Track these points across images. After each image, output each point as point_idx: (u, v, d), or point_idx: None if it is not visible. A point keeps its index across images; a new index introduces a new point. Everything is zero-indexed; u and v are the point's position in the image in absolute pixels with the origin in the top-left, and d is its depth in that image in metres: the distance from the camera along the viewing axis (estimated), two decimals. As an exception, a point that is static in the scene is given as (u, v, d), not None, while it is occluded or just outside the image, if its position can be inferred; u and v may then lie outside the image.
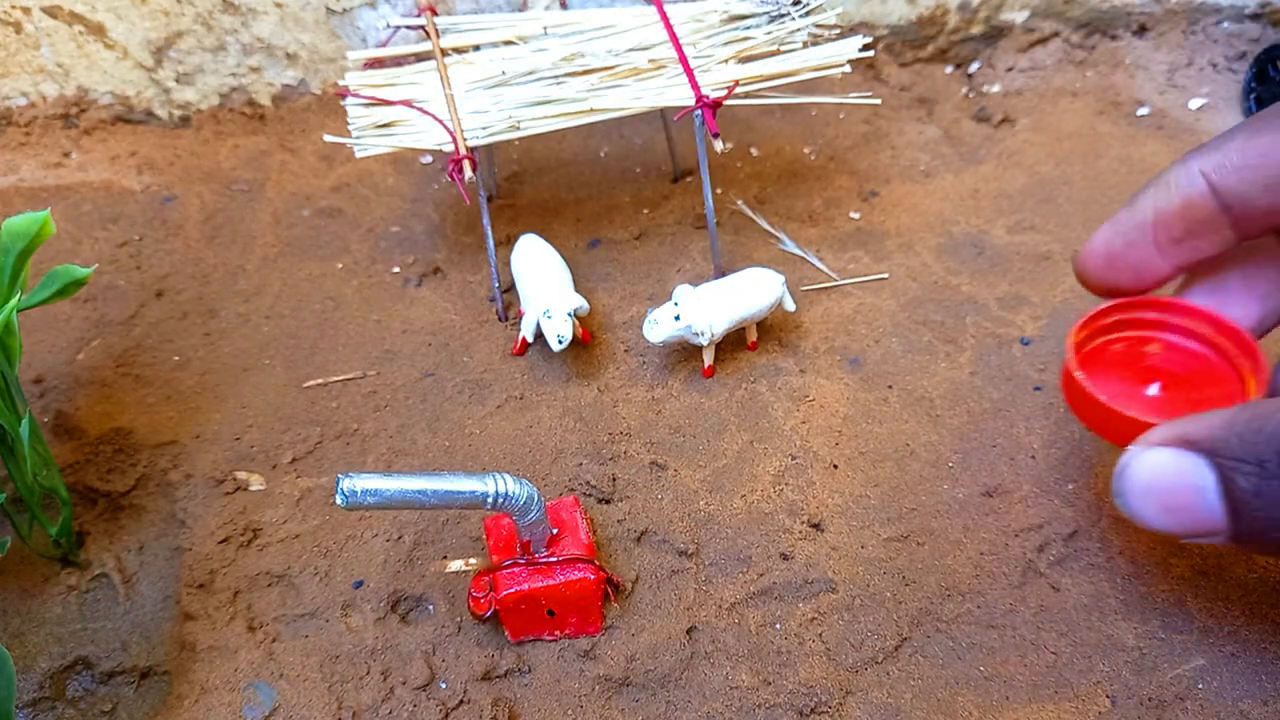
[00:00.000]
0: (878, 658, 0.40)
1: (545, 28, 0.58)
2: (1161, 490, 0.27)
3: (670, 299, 0.50)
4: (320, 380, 0.53)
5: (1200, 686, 0.38)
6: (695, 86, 0.53)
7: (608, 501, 0.46)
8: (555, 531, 0.40)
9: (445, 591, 0.42)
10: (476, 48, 0.59)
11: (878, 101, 0.58)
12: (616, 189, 0.67)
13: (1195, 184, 0.32)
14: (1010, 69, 0.79)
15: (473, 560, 0.40)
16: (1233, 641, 0.40)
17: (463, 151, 0.51)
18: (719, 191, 0.66)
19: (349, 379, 0.53)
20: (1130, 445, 0.29)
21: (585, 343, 0.54)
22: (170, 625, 0.42)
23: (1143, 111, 0.75)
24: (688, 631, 0.40)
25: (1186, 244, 0.34)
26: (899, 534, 0.44)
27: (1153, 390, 0.37)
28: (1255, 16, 0.81)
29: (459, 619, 0.41)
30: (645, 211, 0.65)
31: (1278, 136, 0.31)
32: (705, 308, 0.49)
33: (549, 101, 0.53)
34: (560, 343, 0.49)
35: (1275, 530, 0.24)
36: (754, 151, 0.71)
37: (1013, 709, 0.38)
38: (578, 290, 0.54)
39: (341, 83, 0.57)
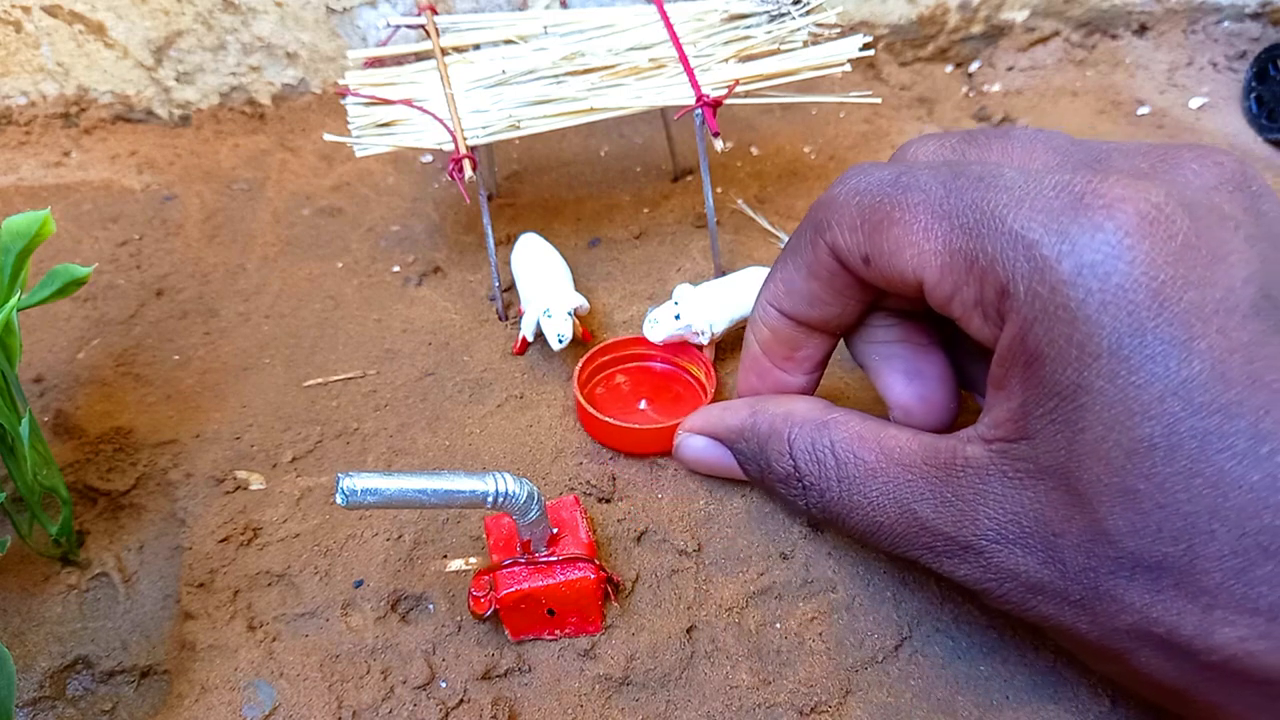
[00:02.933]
0: (878, 658, 0.39)
1: (545, 27, 0.58)
2: (704, 461, 0.44)
3: (670, 298, 0.50)
4: (320, 379, 0.53)
5: (1200, 686, 0.38)
6: (695, 86, 0.53)
7: (608, 501, 0.46)
8: (555, 531, 0.40)
9: (445, 591, 0.42)
10: (476, 47, 0.59)
11: (878, 101, 0.58)
12: (616, 188, 0.67)
13: (769, 314, 0.41)
14: (1010, 68, 0.79)
15: (473, 560, 0.40)
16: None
17: (463, 150, 0.51)
18: (719, 191, 0.66)
19: (349, 378, 0.53)
20: (679, 430, 0.45)
21: (585, 342, 0.54)
22: (170, 624, 0.42)
23: (1143, 111, 0.75)
24: (688, 631, 0.40)
25: (797, 357, 0.42)
26: (899, 533, 0.44)
27: (643, 405, 0.50)
28: (1255, 16, 0.81)
29: (459, 618, 0.41)
30: (645, 211, 0.65)
31: (792, 267, 0.39)
32: (705, 307, 0.49)
33: (549, 101, 0.53)
34: (560, 342, 0.49)
35: (773, 492, 0.41)
36: (754, 151, 0.71)
37: (1013, 709, 0.38)
38: (578, 290, 0.54)
39: (341, 82, 0.57)
